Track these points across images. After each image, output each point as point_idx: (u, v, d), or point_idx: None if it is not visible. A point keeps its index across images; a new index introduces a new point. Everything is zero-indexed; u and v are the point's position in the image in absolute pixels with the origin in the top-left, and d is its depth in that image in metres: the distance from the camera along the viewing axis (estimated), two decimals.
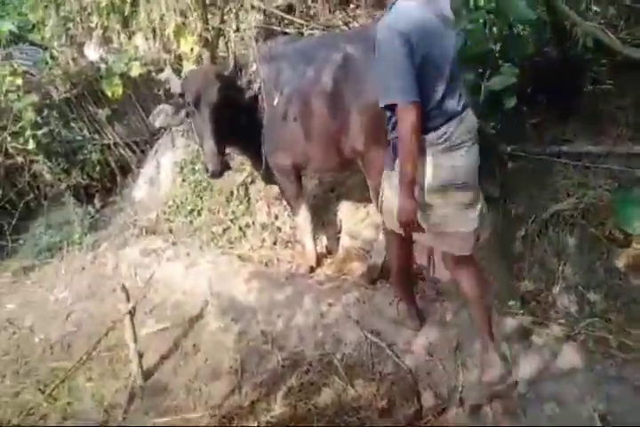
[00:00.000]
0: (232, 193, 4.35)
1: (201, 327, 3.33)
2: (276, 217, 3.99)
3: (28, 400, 3.20)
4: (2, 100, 4.97)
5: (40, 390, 3.22)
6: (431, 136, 2.20)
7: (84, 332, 3.67)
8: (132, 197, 5.19)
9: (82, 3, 6.86)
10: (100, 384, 3.23)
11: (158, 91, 5.49)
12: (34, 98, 5.06)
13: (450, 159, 2.23)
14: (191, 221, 4.50)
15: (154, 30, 6.43)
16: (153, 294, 3.75)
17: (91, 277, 4.16)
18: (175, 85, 3.17)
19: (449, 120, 2.22)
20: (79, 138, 5.40)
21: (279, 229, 3.94)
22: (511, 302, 2.83)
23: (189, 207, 4.59)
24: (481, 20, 2.96)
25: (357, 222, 3.59)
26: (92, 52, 6.32)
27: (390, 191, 2.34)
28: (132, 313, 3.13)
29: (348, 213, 3.64)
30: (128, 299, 3.16)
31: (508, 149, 3.30)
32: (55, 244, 4.71)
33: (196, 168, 4.67)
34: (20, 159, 5.08)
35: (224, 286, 3.48)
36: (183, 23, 4.82)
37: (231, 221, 4.24)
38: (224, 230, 4.24)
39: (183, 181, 4.76)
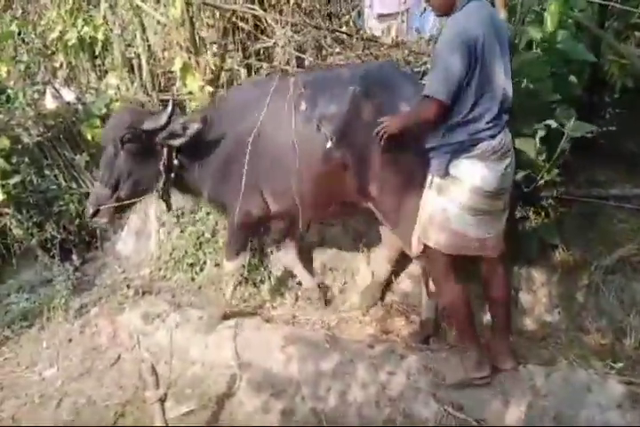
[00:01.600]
0: None
1: (234, 407, 2.79)
2: None
3: None
4: None
5: None
6: (491, 144, 2.25)
7: (83, 421, 3.01)
8: (117, 252, 4.58)
9: (45, 40, 6.38)
10: None
11: None
12: (3, 142, 4.46)
13: (501, 166, 2.29)
14: (193, 278, 3.98)
15: (132, 68, 6.02)
16: (163, 368, 3.16)
17: (82, 349, 3.49)
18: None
19: (503, 129, 2.29)
20: (53, 187, 4.78)
21: (299, 283, 3.50)
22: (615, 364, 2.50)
23: (189, 261, 4.07)
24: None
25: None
26: (65, 92, 5.78)
27: (443, 198, 2.32)
28: (163, 400, 2.55)
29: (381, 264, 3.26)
30: (158, 384, 2.57)
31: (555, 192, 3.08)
32: (31, 310, 4.00)
33: (197, 217, 4.18)
34: None
35: (254, 354, 2.96)
36: (191, 59, 4.41)
37: (242, 275, 3.76)
38: (235, 287, 3.75)
39: (181, 232, 4.24)
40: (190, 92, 4.47)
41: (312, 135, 2.69)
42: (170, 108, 2.87)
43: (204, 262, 3.99)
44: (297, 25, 5.19)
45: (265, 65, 5.06)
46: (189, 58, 4.83)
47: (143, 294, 3.90)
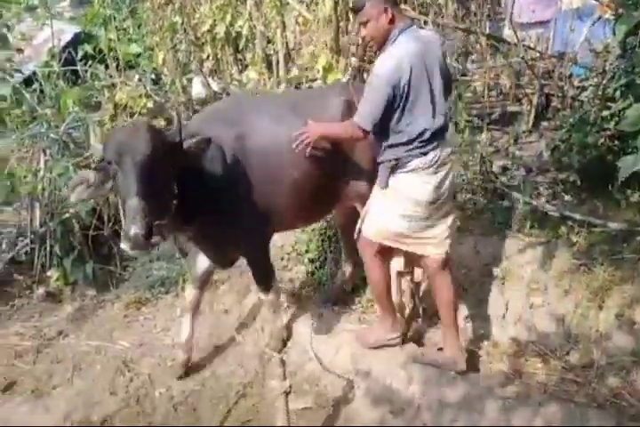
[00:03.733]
0: None
1: (350, 414, 2.67)
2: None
3: None
4: None
5: None
6: (423, 160, 2.41)
7: (208, 393, 2.98)
8: None
9: (197, 33, 6.44)
10: None
11: None
12: (161, 123, 4.55)
13: (435, 178, 2.45)
14: (312, 273, 3.88)
15: (269, 64, 5.95)
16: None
17: (209, 323, 3.51)
18: (97, 150, 2.32)
19: (437, 146, 2.42)
20: None
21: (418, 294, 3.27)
22: None
23: (310, 256, 3.97)
24: None
25: (527, 308, 2.91)
26: (212, 82, 5.83)
27: (384, 205, 2.54)
28: (287, 393, 2.47)
29: (515, 297, 2.96)
30: (285, 376, 2.50)
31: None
32: (169, 278, 4.06)
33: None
34: None
35: (373, 366, 2.79)
36: (334, 59, 4.23)
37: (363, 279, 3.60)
38: (353, 290, 3.60)
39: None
40: None
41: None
42: (177, 123, 2.36)
43: (325, 259, 3.88)
44: (444, 28, 4.84)
45: None
46: (332, 57, 4.65)
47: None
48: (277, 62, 5.89)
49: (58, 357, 3.31)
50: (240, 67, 6.40)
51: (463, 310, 3.02)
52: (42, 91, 5.05)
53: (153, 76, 6.44)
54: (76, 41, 6.90)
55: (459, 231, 3.26)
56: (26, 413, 2.90)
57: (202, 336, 3.40)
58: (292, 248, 4.05)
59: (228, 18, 6.05)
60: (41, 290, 3.91)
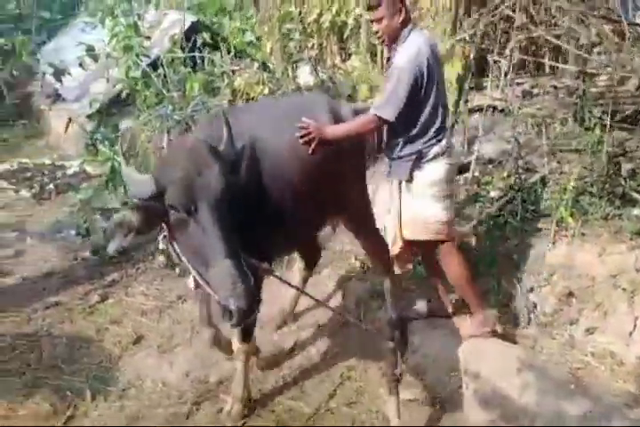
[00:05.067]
0: None
1: (457, 414, 2.52)
2: (531, 289, 3.09)
3: None
4: None
5: None
6: (440, 146, 2.54)
7: (313, 371, 2.94)
8: None
9: (304, 22, 6.33)
10: None
11: None
12: None
13: (449, 160, 2.61)
14: (414, 267, 3.71)
15: (373, 54, 5.75)
16: None
17: (309, 303, 3.49)
18: (143, 185, 1.73)
19: (446, 133, 2.59)
20: None
21: (535, 304, 3.03)
22: None
23: None
24: None
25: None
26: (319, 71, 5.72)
27: (412, 199, 2.60)
28: (398, 381, 2.36)
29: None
30: (397, 364, 2.38)
31: None
32: None
33: None
34: None
35: (483, 369, 2.62)
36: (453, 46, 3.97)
37: None
38: None
39: None
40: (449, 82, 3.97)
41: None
42: (226, 133, 1.89)
43: None
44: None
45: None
46: (450, 45, 4.36)
47: (369, 269, 3.78)
48: (382, 52, 5.69)
49: (178, 319, 3.43)
50: (343, 56, 6.25)
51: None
52: (165, 75, 5.20)
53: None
54: (194, 29, 7.03)
55: (581, 237, 2.99)
56: (153, 366, 3.03)
57: (308, 316, 3.38)
58: None
59: (335, 7, 5.92)
60: (161, 257, 4.06)
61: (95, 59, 4.94)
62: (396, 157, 2.60)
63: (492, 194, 3.74)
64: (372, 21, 2.54)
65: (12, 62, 9.86)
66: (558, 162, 3.86)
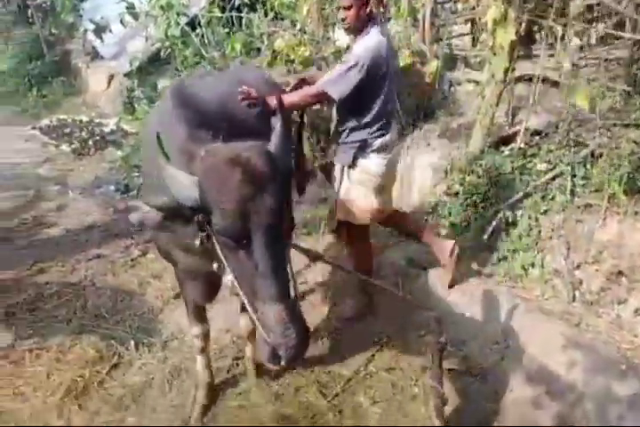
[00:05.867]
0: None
1: (500, 387, 2.40)
2: (578, 265, 2.92)
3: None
4: (290, 68, 4.22)
5: (321, 392, 2.44)
6: (383, 140, 2.59)
7: (350, 336, 2.84)
8: None
9: None
10: (385, 411, 2.33)
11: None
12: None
13: (391, 155, 2.65)
14: (454, 238, 3.53)
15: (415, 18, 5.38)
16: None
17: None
18: (185, 190, 1.37)
19: (391, 129, 2.62)
20: None
21: (581, 281, 2.87)
22: None
23: (454, 220, 3.63)
24: None
25: None
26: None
27: (350, 184, 2.65)
28: (443, 350, 2.26)
29: None
30: (442, 333, 2.28)
31: None
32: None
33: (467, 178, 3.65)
34: None
35: (528, 344, 2.50)
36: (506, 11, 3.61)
37: (509, 251, 3.24)
38: (499, 260, 3.25)
39: (448, 188, 3.78)
40: (500, 47, 3.63)
41: None
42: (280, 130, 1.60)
43: (468, 224, 3.52)
44: None
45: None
46: (504, 10, 3.97)
47: (405, 237, 3.63)
48: (423, 17, 5.31)
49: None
50: (382, 20, 5.88)
51: None
52: (202, 35, 4.96)
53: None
54: None
55: (634, 216, 2.77)
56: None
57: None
58: (431, 209, 3.76)
59: None
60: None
61: (135, 17, 4.69)
62: (342, 143, 2.63)
63: (540, 167, 3.50)
64: (340, 8, 2.50)
65: (51, 20, 9.66)
66: (609, 137, 3.58)
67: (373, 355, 2.68)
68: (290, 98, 2.38)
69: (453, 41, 5.52)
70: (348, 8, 2.44)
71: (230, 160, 1.40)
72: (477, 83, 4.64)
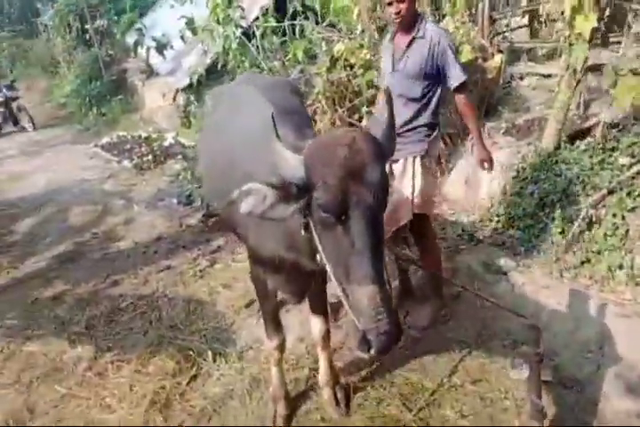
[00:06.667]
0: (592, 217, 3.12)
1: (598, 399, 2.24)
2: None
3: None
4: (350, 73, 4.22)
5: (405, 405, 2.34)
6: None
7: (430, 345, 2.72)
8: (444, 194, 4.22)
9: None
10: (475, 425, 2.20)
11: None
12: (373, 75, 4.25)
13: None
14: (529, 240, 3.38)
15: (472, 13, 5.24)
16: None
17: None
18: (291, 166, 1.42)
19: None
20: None
21: None
22: None
23: (529, 222, 3.46)
24: None
25: None
26: None
27: (426, 173, 2.60)
28: (541, 360, 2.13)
29: None
30: (538, 342, 2.15)
31: None
32: None
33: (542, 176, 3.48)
34: None
35: (627, 352, 2.32)
36: None
37: (594, 252, 3.04)
38: (582, 263, 3.06)
39: (521, 188, 3.63)
40: (578, 35, 3.40)
41: None
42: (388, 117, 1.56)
43: (545, 225, 3.35)
44: None
45: None
46: None
47: (479, 242, 3.51)
48: (483, 11, 5.17)
49: None
50: (437, 17, 5.78)
51: None
52: (258, 46, 5.05)
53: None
54: None
55: None
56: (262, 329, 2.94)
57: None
58: (503, 210, 3.61)
59: None
60: None
61: (194, 32, 4.86)
62: (413, 130, 2.59)
63: (622, 160, 3.28)
64: (391, 3, 2.45)
65: (108, 41, 10.19)
66: None
67: (456, 366, 2.56)
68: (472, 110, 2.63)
69: (511, 34, 5.34)
70: (402, 0, 2.43)
71: (337, 138, 1.44)
72: (544, 76, 4.43)
